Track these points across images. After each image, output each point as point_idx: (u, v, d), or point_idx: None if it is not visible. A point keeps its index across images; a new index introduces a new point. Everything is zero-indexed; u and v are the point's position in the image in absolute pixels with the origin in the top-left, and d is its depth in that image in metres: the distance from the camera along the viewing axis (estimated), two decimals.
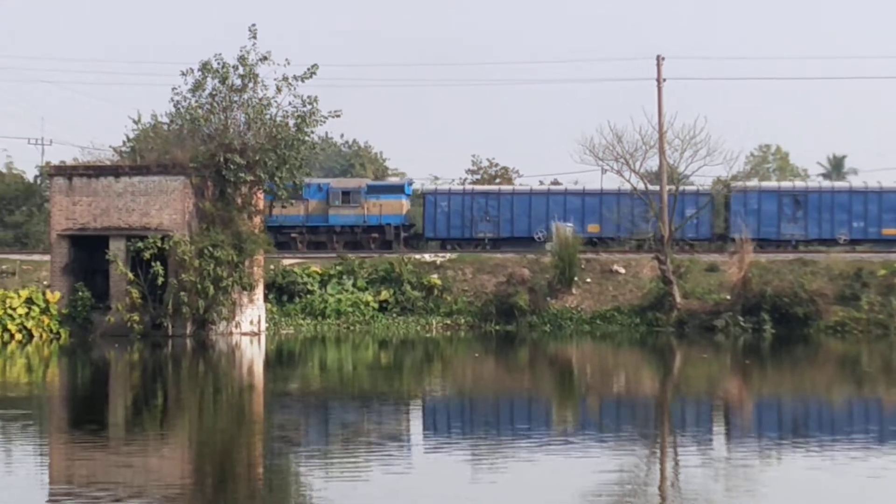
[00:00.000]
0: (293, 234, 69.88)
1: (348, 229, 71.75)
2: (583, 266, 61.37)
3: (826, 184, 74.11)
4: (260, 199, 54.76)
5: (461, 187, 76.19)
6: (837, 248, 65.32)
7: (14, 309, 51.25)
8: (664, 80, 64.07)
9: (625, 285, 61.27)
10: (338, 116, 53.84)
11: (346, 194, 71.87)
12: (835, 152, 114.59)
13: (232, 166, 51.57)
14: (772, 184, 72.64)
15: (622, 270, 62.02)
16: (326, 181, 73.21)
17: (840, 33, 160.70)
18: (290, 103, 52.94)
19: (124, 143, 67.97)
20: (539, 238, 70.20)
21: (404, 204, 72.75)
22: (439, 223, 71.62)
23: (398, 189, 73.90)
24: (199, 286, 50.51)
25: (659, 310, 58.86)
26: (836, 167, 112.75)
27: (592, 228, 69.54)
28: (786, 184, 72.63)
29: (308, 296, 60.50)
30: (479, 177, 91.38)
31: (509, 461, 23.23)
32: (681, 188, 65.33)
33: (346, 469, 22.21)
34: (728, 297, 57.93)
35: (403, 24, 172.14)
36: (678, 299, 58.30)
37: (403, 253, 65.57)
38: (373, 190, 72.87)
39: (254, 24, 52.95)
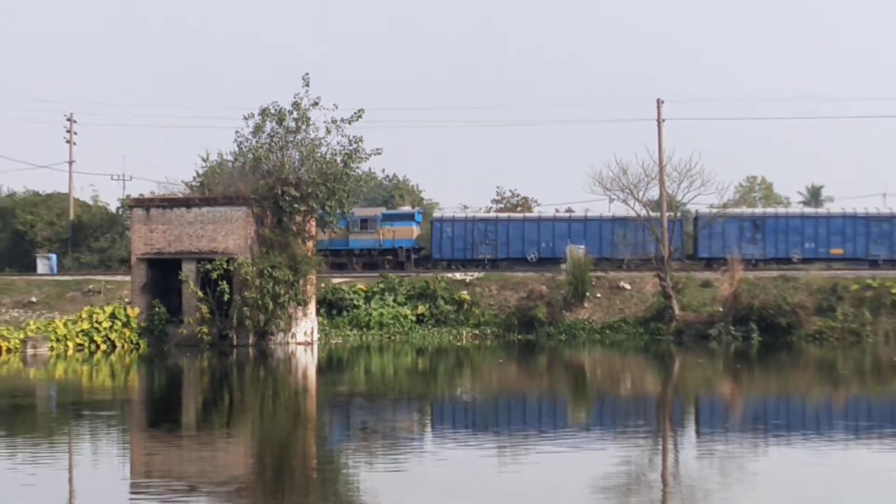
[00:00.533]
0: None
1: (366, 252, 72.05)
2: (593, 283, 61.41)
3: (781, 210, 73.51)
4: (312, 226, 54.81)
5: (463, 215, 76.18)
6: (791, 265, 65.21)
7: (100, 323, 51.43)
8: (663, 120, 64.24)
9: (630, 299, 61.19)
10: (379, 154, 53.93)
11: (364, 221, 72.19)
12: (813, 182, 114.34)
13: (288, 198, 51.66)
14: (734, 210, 72.36)
15: (628, 287, 61.94)
16: None
17: (817, 77, 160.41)
18: (338, 143, 53.19)
19: (194, 178, 68.42)
20: (531, 258, 70.85)
21: (414, 230, 73.20)
22: (444, 246, 71.81)
23: (409, 217, 74.36)
24: (259, 302, 50.58)
25: (660, 321, 58.86)
26: (815, 195, 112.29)
27: None
28: (746, 210, 72.31)
29: (354, 310, 60.57)
30: (502, 205, 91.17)
31: (531, 453, 23.15)
32: (655, 214, 67.15)
33: (388, 461, 22.15)
34: (720, 309, 57.88)
35: (436, 70, 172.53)
36: (677, 311, 58.25)
37: (418, 272, 65.73)
38: (387, 218, 73.38)
39: (307, 74, 53.30)
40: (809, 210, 75.07)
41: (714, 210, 66.36)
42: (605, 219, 71.14)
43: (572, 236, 70.01)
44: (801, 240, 67.93)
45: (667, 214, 62.38)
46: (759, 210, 73.34)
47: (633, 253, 65.64)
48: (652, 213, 62.68)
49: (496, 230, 72.32)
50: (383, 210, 78.12)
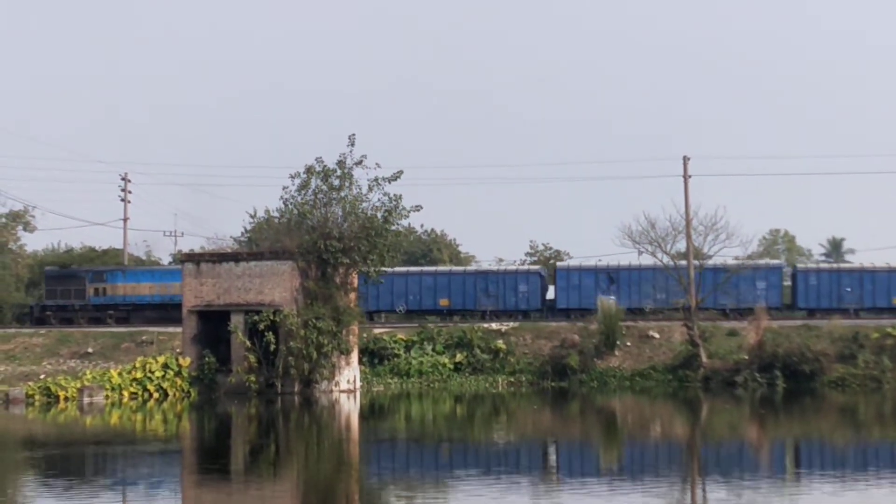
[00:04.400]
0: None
1: None
2: (623, 332, 61.19)
3: (634, 262, 71.75)
4: (354, 279, 54.83)
5: None
6: (642, 314, 64.91)
7: (153, 372, 51.62)
8: (689, 176, 64.13)
9: (659, 348, 60.92)
10: (418, 210, 53.57)
11: None
12: (834, 235, 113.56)
13: (332, 251, 51.75)
14: (590, 263, 71.59)
15: (657, 335, 61.66)
16: None
17: (835, 135, 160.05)
18: (379, 199, 53.11)
19: (242, 233, 68.51)
20: (400, 311, 71.25)
21: None
22: None
23: None
24: (304, 352, 50.60)
25: (688, 368, 58.51)
26: (836, 248, 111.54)
27: (443, 302, 70.83)
28: (601, 263, 71.47)
29: (395, 359, 60.47)
30: (535, 258, 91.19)
31: (565, 493, 23.06)
32: (512, 268, 69.35)
33: (428, 500, 22.09)
34: (746, 357, 57.54)
35: (475, 128, 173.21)
36: (704, 359, 57.95)
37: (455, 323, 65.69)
38: None
39: (352, 134, 53.38)
40: (659, 264, 73.64)
41: (573, 264, 66.86)
42: (469, 273, 72.25)
43: (437, 289, 70.40)
44: (653, 291, 67.44)
45: (694, 264, 62.24)
46: (612, 262, 72.22)
47: (495, 305, 68.73)
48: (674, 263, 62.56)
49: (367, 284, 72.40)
50: None
